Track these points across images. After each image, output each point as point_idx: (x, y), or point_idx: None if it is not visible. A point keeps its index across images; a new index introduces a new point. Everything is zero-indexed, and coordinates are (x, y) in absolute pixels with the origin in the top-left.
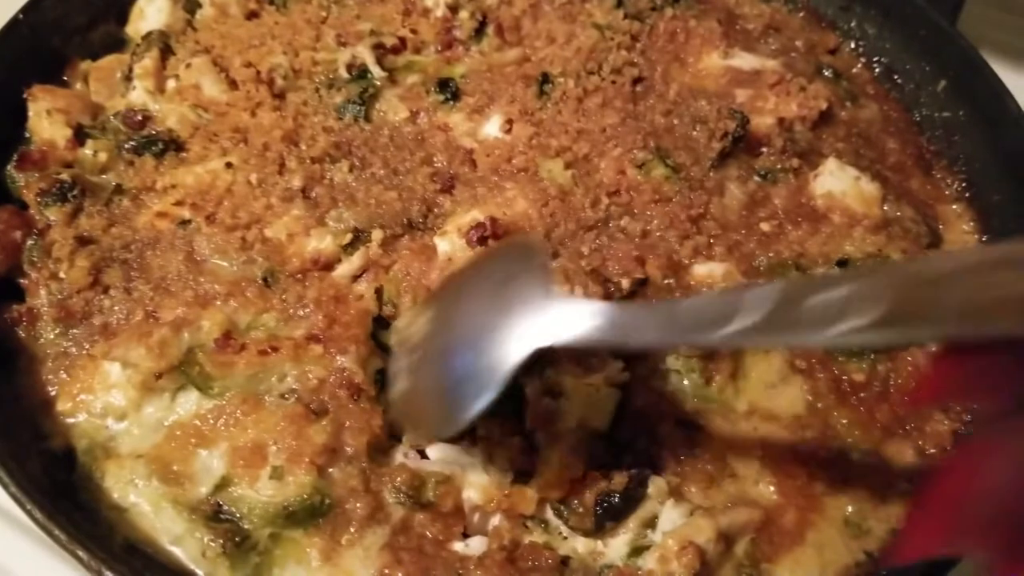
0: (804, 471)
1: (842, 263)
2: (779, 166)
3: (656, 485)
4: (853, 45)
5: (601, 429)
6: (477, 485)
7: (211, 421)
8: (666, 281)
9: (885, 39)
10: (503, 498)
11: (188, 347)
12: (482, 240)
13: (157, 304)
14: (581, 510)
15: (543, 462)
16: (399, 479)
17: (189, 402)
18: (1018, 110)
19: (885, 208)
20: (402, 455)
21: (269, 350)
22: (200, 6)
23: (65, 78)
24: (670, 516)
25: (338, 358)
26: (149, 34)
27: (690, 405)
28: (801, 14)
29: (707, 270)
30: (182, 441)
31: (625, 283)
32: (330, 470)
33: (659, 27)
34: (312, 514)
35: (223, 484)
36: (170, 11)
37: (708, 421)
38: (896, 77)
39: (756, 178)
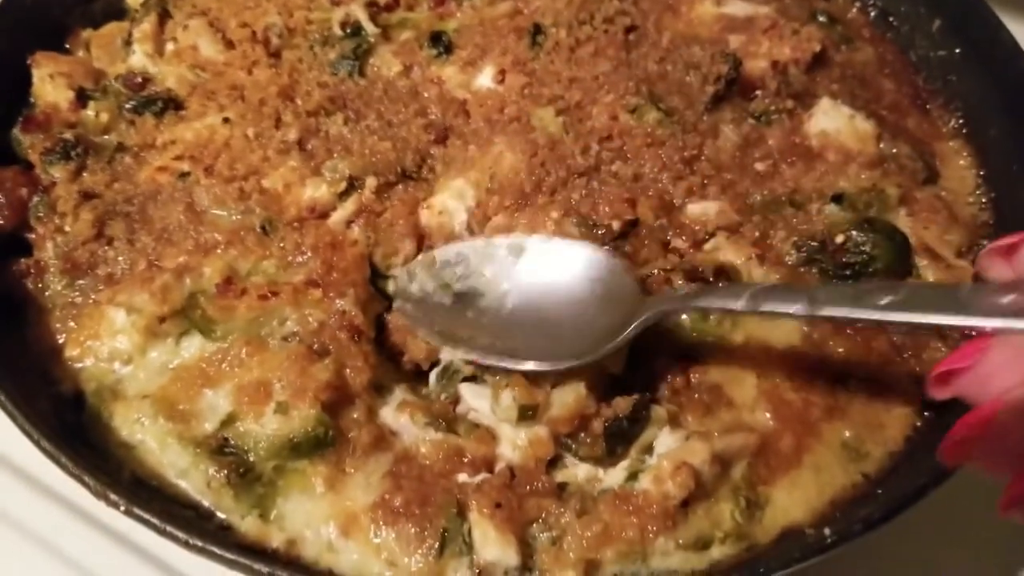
0: (800, 398)
1: (837, 198)
2: (773, 108)
3: (655, 412)
4: None
5: (615, 372)
6: (513, 442)
7: (215, 363)
8: (658, 222)
9: None
10: (527, 449)
11: (190, 292)
12: None
13: (159, 254)
14: (590, 439)
15: (557, 399)
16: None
17: (193, 346)
18: (1014, 43)
19: (881, 145)
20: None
21: (269, 294)
22: None
23: (67, 47)
24: (666, 441)
25: (337, 301)
26: (147, 0)
27: (688, 339)
28: None
29: (700, 209)
30: (187, 382)
31: (616, 225)
32: (334, 404)
33: None
34: (316, 445)
35: (229, 420)
36: None
37: (705, 353)
38: (891, 19)
39: (750, 120)
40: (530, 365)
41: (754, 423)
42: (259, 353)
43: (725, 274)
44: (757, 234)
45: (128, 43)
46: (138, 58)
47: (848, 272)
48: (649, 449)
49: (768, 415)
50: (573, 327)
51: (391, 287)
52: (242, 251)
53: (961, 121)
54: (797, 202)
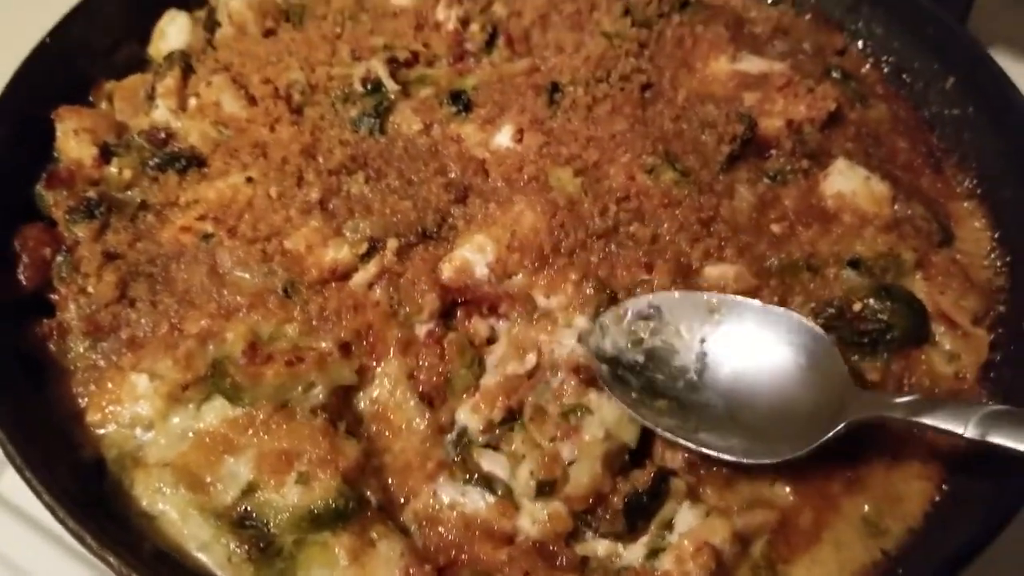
0: (820, 471)
1: (854, 263)
2: (788, 167)
3: (674, 485)
4: (861, 45)
5: (629, 444)
6: (532, 515)
7: (240, 429)
8: (675, 288)
9: (893, 38)
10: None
11: (213, 359)
12: None
13: (182, 316)
14: (609, 515)
15: (573, 476)
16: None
17: (214, 411)
18: None
19: (896, 207)
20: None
21: (295, 360)
22: (219, 25)
23: (91, 99)
24: (686, 517)
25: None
26: (171, 54)
27: None
28: (808, 16)
29: (719, 272)
30: (209, 449)
31: None
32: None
33: (667, 33)
34: (338, 517)
35: (249, 490)
36: (191, 31)
37: None
38: (905, 76)
39: (766, 180)
40: (726, 457)
41: (774, 497)
42: (287, 422)
43: None
44: (775, 299)
45: (151, 97)
46: (161, 112)
47: (866, 340)
48: (669, 524)
49: (788, 489)
50: (771, 407)
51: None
52: (264, 314)
53: (976, 181)
54: (814, 266)
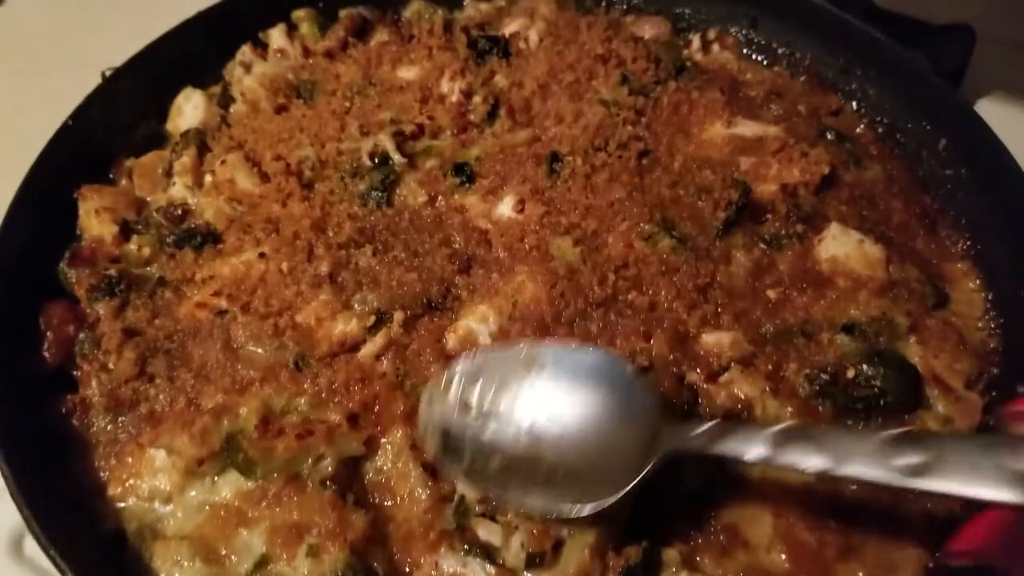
0: (815, 538)
1: (848, 328)
2: (783, 232)
3: (667, 556)
4: (855, 106)
5: (620, 524)
6: None
7: (253, 502)
8: (673, 355)
9: (886, 99)
10: None
11: (227, 433)
12: None
13: (198, 391)
14: None
15: (563, 561)
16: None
17: (229, 484)
18: (1016, 167)
19: (890, 269)
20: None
21: (305, 433)
22: (234, 101)
23: (111, 176)
24: None
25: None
26: (187, 132)
27: (701, 479)
28: (803, 78)
29: (715, 339)
30: (224, 521)
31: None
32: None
33: (663, 100)
34: None
35: (262, 562)
36: (205, 108)
37: (720, 491)
38: (899, 136)
39: (761, 245)
40: (551, 507)
41: (770, 565)
42: (298, 494)
43: (737, 418)
44: (770, 366)
45: (169, 174)
46: (178, 189)
47: (860, 406)
48: None
49: (784, 556)
50: (598, 450)
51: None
52: (276, 388)
53: (969, 242)
54: (808, 332)
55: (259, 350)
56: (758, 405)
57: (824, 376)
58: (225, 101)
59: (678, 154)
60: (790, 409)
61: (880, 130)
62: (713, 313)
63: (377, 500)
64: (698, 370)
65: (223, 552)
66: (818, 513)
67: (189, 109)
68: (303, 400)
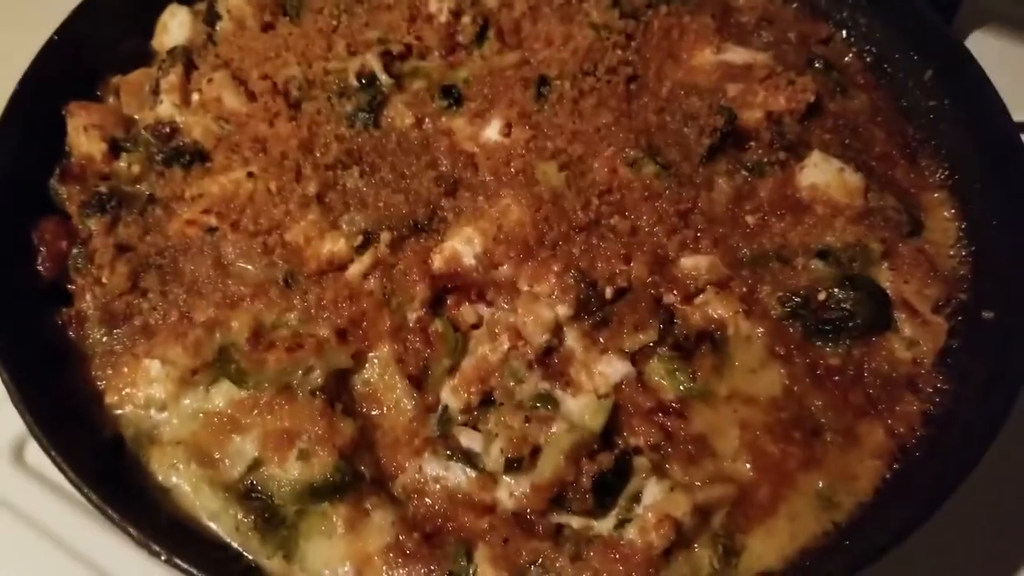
0: (779, 449)
1: (822, 253)
2: (766, 159)
3: (638, 463)
4: (845, 35)
5: (596, 431)
6: (510, 490)
7: (245, 410)
8: (651, 278)
9: (876, 29)
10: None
11: (220, 346)
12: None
13: (190, 306)
14: (579, 495)
15: (539, 466)
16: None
17: (222, 393)
18: (998, 99)
19: (868, 197)
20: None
21: (295, 347)
22: (219, 18)
23: (98, 93)
24: (652, 491)
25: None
26: (173, 50)
27: (673, 394)
28: (795, 5)
29: (693, 263)
30: (217, 428)
31: (608, 292)
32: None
33: (654, 24)
34: (335, 490)
35: (255, 465)
36: (191, 25)
37: (690, 406)
38: (886, 66)
39: (743, 172)
40: None
41: (735, 473)
42: (289, 403)
43: (710, 338)
44: (744, 289)
45: (156, 92)
46: (165, 108)
47: (829, 327)
48: (636, 498)
49: (748, 465)
50: None
51: None
52: (267, 304)
53: (948, 172)
54: (784, 257)
55: (249, 267)
56: (731, 325)
57: (796, 299)
58: (211, 18)
59: (666, 80)
60: (761, 330)
61: (868, 60)
62: (692, 238)
63: (365, 409)
64: (675, 292)
65: (217, 456)
66: (784, 425)
67: (175, 26)
68: (293, 315)
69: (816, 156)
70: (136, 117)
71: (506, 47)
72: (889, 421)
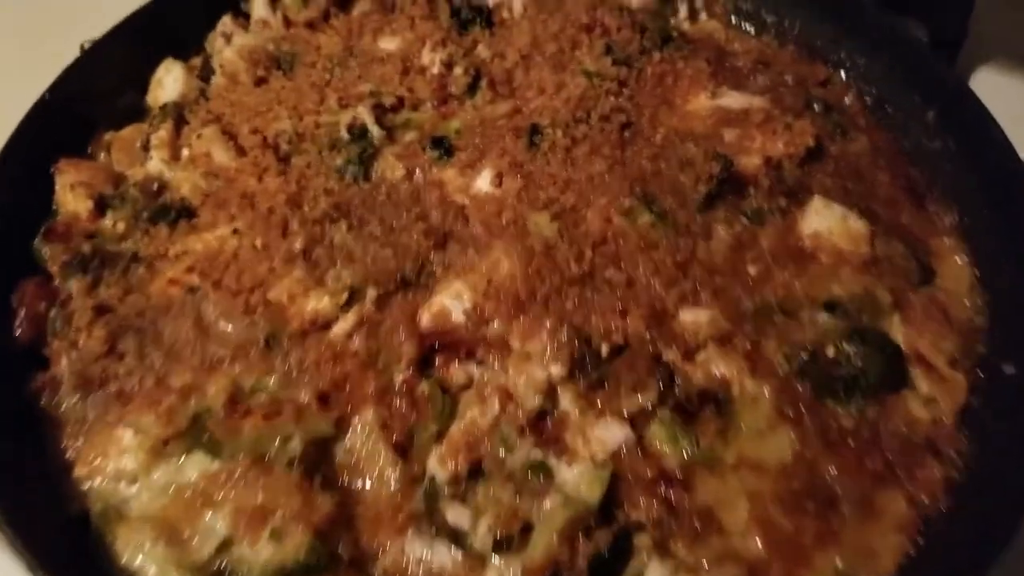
0: (792, 523)
1: (829, 306)
2: (766, 206)
3: (639, 541)
4: (844, 76)
5: (593, 505)
6: (500, 572)
7: (219, 482)
8: (649, 333)
9: (875, 69)
10: None
11: (195, 412)
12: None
13: (167, 370)
14: None
15: (531, 545)
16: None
17: (195, 464)
18: (1004, 139)
19: (874, 244)
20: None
21: (273, 413)
22: (214, 73)
23: (89, 150)
24: (655, 573)
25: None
26: (164, 105)
27: (676, 462)
28: (791, 47)
29: (692, 317)
30: (189, 502)
31: (604, 349)
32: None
33: (648, 71)
34: (308, 573)
35: (224, 545)
36: (185, 80)
37: (694, 475)
38: (887, 107)
39: (743, 219)
40: None
41: (745, 551)
42: (264, 476)
43: (713, 399)
44: (748, 345)
45: (146, 148)
46: (155, 164)
47: (840, 385)
48: None
49: (759, 541)
50: None
51: None
52: (246, 367)
53: (957, 216)
54: (789, 309)
55: (230, 327)
56: (736, 384)
57: (803, 355)
58: (206, 73)
59: (661, 126)
60: (767, 389)
61: (868, 101)
62: (691, 290)
63: (346, 481)
64: (674, 348)
65: (186, 535)
66: (796, 496)
67: (169, 81)
68: (272, 379)
69: (818, 202)
70: (127, 173)
71: (498, 96)
72: (910, 489)
